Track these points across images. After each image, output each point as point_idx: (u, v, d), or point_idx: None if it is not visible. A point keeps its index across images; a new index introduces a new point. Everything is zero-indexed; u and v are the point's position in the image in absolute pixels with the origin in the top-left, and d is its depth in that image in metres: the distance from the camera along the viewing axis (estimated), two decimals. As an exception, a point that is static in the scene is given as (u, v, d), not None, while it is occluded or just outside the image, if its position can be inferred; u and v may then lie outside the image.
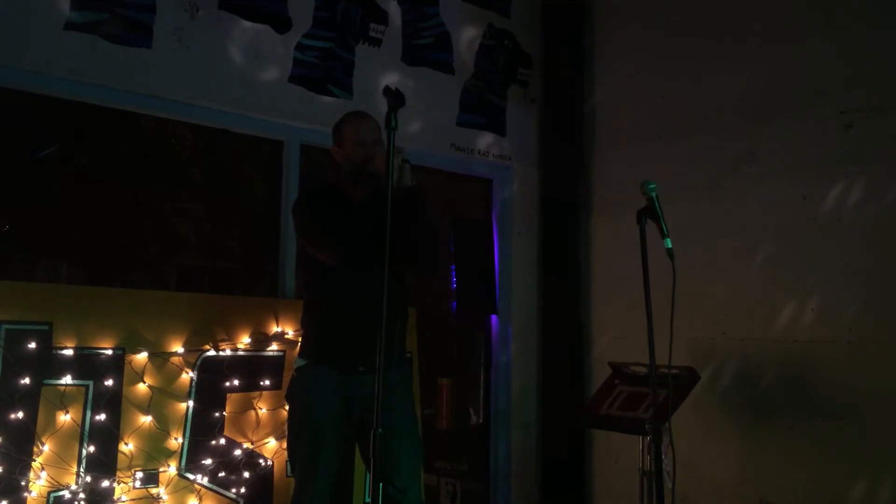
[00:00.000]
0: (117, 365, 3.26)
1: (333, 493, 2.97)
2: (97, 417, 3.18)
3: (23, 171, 3.66)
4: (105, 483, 3.18)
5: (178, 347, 3.41)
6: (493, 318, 4.94)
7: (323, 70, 4.14)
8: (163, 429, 3.34)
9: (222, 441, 3.49)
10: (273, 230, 4.04)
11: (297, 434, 3.00)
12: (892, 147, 3.65)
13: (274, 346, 3.67)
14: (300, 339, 3.22)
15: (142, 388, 3.31)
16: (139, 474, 3.27)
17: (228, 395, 3.53)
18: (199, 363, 3.46)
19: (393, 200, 2.44)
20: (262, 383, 3.61)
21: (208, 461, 3.44)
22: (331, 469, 2.94)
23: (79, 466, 3.14)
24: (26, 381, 3.04)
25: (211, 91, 3.80)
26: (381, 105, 2.52)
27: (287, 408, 3.21)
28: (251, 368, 3.59)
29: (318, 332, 3.04)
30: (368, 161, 2.93)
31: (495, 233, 4.98)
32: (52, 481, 3.07)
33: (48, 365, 3.10)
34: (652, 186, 2.82)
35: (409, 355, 3.97)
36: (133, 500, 3.24)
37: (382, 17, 4.38)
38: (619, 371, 3.81)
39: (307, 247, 3.07)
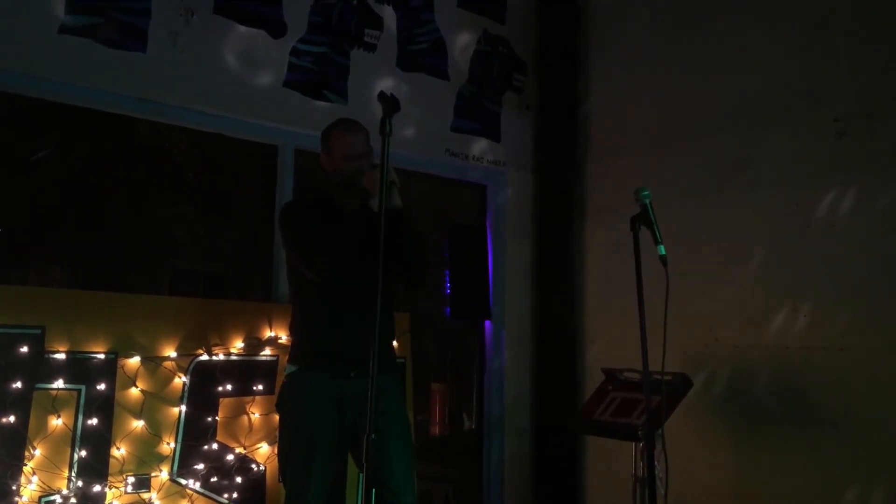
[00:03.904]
0: (110, 369, 3.25)
1: (326, 499, 2.95)
2: (89, 422, 3.18)
3: (17, 174, 3.65)
4: (97, 488, 3.17)
5: (170, 352, 3.41)
6: (487, 323, 4.94)
7: (318, 75, 4.15)
8: (155, 433, 3.33)
9: (215, 446, 3.48)
10: (267, 235, 4.03)
11: (289, 441, 2.97)
12: (885, 154, 3.67)
13: (267, 351, 3.67)
14: (290, 345, 3.21)
15: (134, 392, 3.30)
16: (131, 479, 3.26)
17: (221, 399, 3.52)
18: (191, 368, 3.45)
19: (383, 212, 2.44)
20: (255, 388, 3.60)
21: (200, 466, 3.43)
22: (325, 476, 2.91)
23: (70, 471, 3.13)
24: (18, 385, 3.03)
25: (206, 95, 3.80)
26: (376, 110, 2.51)
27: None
28: (244, 373, 3.59)
29: (308, 337, 3.03)
30: (357, 175, 2.92)
31: (489, 238, 4.99)
32: (43, 486, 3.06)
33: (40, 369, 3.09)
34: (646, 193, 2.83)
35: (402, 360, 3.98)
36: (125, 504, 3.23)
37: (377, 23, 4.39)
38: (612, 377, 3.81)
39: (293, 259, 3.06)
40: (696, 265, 4.14)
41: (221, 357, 3.54)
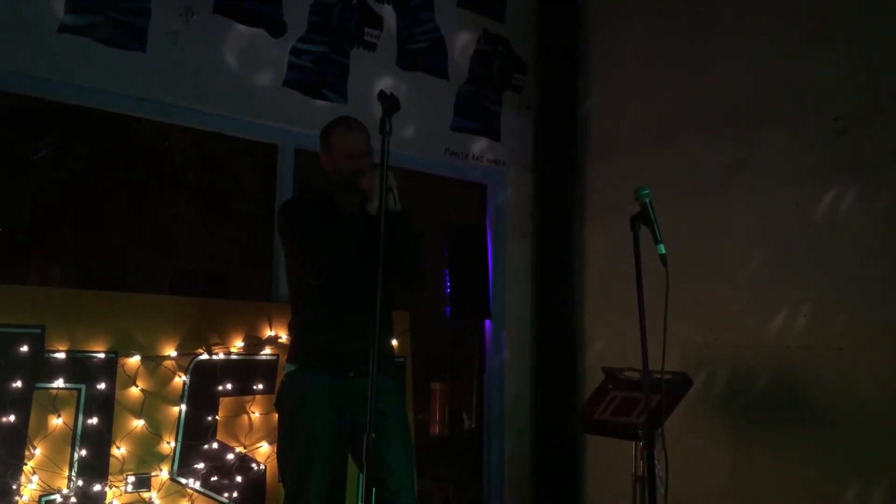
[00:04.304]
0: (110, 368, 3.25)
1: (326, 499, 2.95)
2: (89, 421, 3.18)
3: (17, 174, 3.65)
4: (97, 487, 3.17)
5: (170, 351, 3.41)
6: (487, 322, 4.94)
7: (317, 74, 4.15)
8: (155, 433, 3.33)
9: (215, 445, 3.48)
10: (267, 234, 4.03)
11: (288, 441, 2.97)
12: (884, 154, 3.67)
13: (267, 350, 3.67)
14: (289, 345, 3.20)
15: (134, 391, 3.30)
16: (131, 478, 3.26)
17: (221, 398, 3.52)
18: (191, 367, 3.45)
19: (383, 213, 2.44)
20: (255, 387, 3.61)
21: (200, 465, 3.43)
22: (324, 477, 2.91)
23: (70, 470, 3.13)
24: (18, 384, 3.03)
25: (205, 95, 3.80)
26: (376, 110, 2.51)
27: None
28: (244, 372, 3.59)
29: (307, 336, 3.03)
30: (356, 175, 2.91)
31: (489, 238, 4.99)
32: (43, 485, 3.06)
33: (40, 368, 3.09)
34: (646, 192, 2.83)
35: (401, 360, 3.99)
36: (125, 504, 3.24)
37: (377, 22, 4.39)
38: (612, 376, 3.81)
39: (291, 259, 3.06)
40: (697, 264, 4.14)
41: (221, 356, 3.54)
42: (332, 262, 2.86)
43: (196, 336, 3.48)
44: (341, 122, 3.06)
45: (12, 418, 3.01)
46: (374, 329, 2.35)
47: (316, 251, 2.86)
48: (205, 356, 3.49)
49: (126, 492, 3.24)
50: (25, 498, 3.02)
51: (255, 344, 3.64)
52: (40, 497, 3.06)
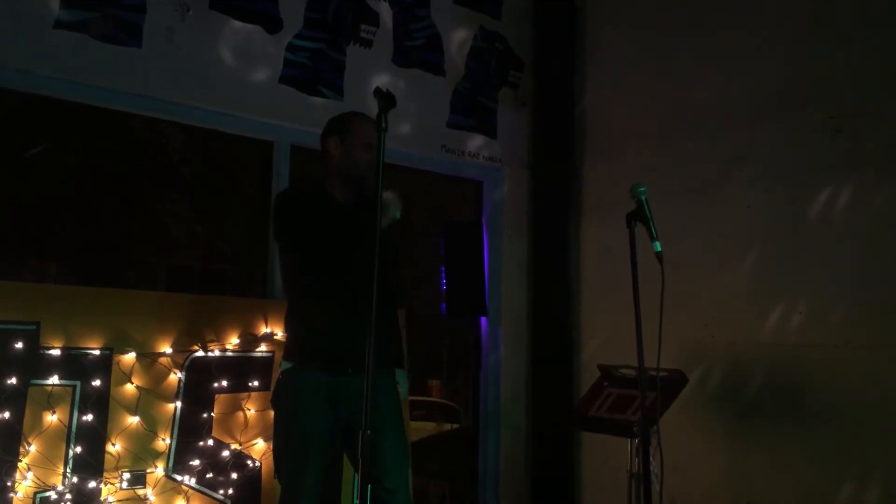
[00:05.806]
0: (105, 365, 3.24)
1: (321, 496, 2.95)
2: (84, 418, 3.17)
3: (12, 170, 3.64)
4: (92, 484, 3.16)
5: (166, 348, 3.40)
6: (483, 320, 4.94)
7: (313, 71, 4.14)
8: (150, 429, 3.32)
9: (210, 442, 3.47)
10: (263, 230, 4.03)
11: (283, 439, 2.97)
12: (880, 152, 3.67)
13: (263, 347, 3.66)
14: (285, 342, 3.20)
15: (129, 388, 3.29)
16: (126, 475, 3.25)
17: (216, 395, 3.52)
18: (187, 364, 3.45)
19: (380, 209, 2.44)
20: (250, 384, 3.60)
21: (196, 462, 3.42)
22: (318, 474, 2.91)
23: (65, 467, 3.12)
24: (13, 381, 3.02)
25: (201, 91, 3.79)
26: (372, 106, 2.51)
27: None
28: (240, 369, 3.58)
29: (303, 333, 3.02)
30: (368, 168, 2.91)
31: (485, 235, 4.99)
32: (38, 482, 3.06)
33: (35, 365, 3.09)
34: (641, 189, 2.83)
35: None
36: (120, 500, 3.23)
37: (373, 19, 4.38)
38: (608, 373, 3.82)
39: (287, 253, 3.05)
40: (692, 262, 4.14)
41: (217, 353, 3.53)
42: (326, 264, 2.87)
43: (191, 333, 3.48)
44: (361, 115, 3.07)
45: (7, 415, 3.00)
46: (374, 325, 2.34)
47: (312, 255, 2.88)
48: (200, 353, 3.49)
49: (121, 488, 3.23)
50: (20, 494, 3.02)
51: (250, 341, 3.63)
52: (35, 494, 3.05)
